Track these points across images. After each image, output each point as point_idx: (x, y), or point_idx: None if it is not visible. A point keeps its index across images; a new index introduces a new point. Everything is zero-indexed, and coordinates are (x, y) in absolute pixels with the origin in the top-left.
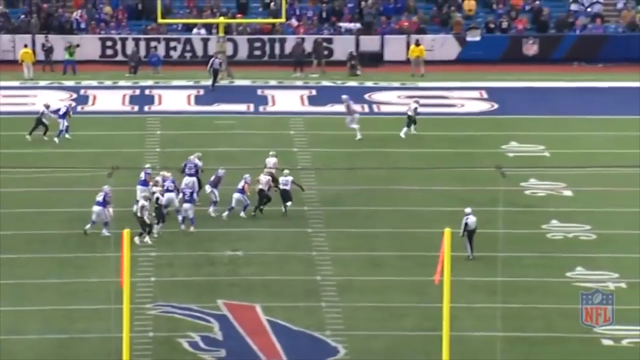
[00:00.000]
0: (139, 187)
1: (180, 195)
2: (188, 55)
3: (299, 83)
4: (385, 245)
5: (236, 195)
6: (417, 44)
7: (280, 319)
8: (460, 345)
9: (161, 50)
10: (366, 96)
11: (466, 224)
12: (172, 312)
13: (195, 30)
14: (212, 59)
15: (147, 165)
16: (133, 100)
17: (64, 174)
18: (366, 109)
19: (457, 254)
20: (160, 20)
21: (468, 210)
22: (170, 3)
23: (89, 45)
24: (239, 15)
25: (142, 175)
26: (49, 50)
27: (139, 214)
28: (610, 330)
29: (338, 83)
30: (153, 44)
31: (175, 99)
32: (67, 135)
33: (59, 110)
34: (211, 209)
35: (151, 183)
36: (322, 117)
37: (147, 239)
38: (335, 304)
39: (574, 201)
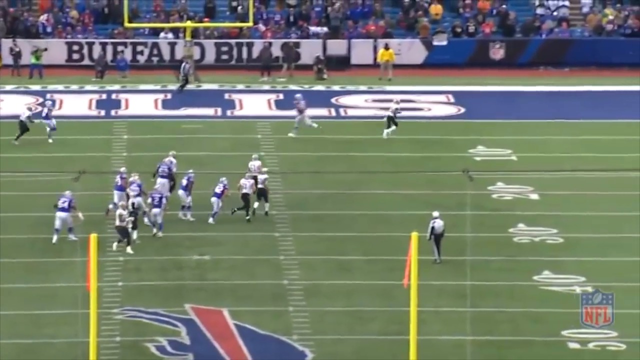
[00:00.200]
0: (115, 192)
1: (150, 200)
2: (155, 59)
3: (266, 87)
4: (352, 249)
5: (214, 200)
6: (387, 47)
7: (247, 323)
8: (428, 349)
9: (128, 55)
10: (333, 100)
11: (433, 227)
12: (140, 317)
13: (162, 34)
14: (183, 64)
15: (123, 169)
16: (100, 104)
17: (30, 178)
18: (333, 113)
19: (424, 257)
20: (127, 25)
21: (435, 214)
22: (137, 7)
23: (55, 50)
24: (206, 19)
25: (118, 180)
26: (17, 55)
27: (117, 223)
28: (577, 334)
29: (305, 87)
30: (120, 48)
31: (142, 103)
32: (49, 138)
33: (41, 112)
34: (182, 213)
35: (128, 189)
36: (289, 121)
37: (128, 249)
38: (302, 308)
39: (541, 205)
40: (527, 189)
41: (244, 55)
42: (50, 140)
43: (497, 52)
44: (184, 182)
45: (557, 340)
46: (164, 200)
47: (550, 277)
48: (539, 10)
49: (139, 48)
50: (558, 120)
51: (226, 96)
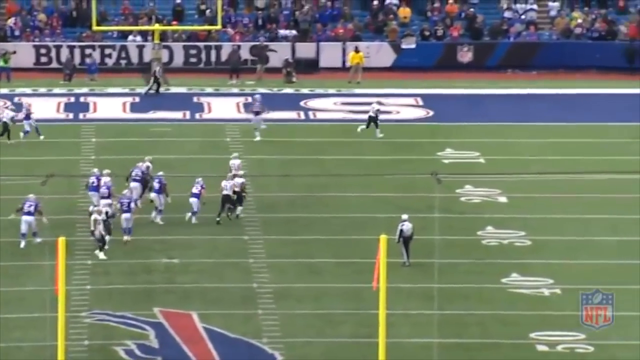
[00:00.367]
0: (90, 193)
1: (118, 205)
2: (123, 62)
3: (235, 90)
4: (322, 252)
5: (193, 200)
6: (357, 50)
7: (216, 326)
8: (397, 352)
9: (96, 58)
10: (302, 103)
11: (402, 230)
12: (108, 320)
13: (130, 37)
14: (155, 67)
15: (95, 170)
16: (68, 107)
17: None
18: (302, 116)
19: (393, 260)
20: (95, 28)
21: (404, 216)
22: (105, 10)
23: (23, 53)
24: (174, 22)
25: (93, 181)
26: None
27: (92, 228)
28: (545, 336)
29: (274, 90)
30: (88, 51)
31: (110, 106)
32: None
33: (22, 113)
34: (154, 215)
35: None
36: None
37: (101, 255)
38: (272, 311)
39: (509, 207)
40: (495, 191)
41: (213, 58)
42: (41, 138)
43: (465, 55)
44: (156, 185)
45: (525, 342)
46: (132, 205)
47: (518, 279)
48: (507, 14)
49: (107, 51)
50: (526, 123)
51: (195, 99)
